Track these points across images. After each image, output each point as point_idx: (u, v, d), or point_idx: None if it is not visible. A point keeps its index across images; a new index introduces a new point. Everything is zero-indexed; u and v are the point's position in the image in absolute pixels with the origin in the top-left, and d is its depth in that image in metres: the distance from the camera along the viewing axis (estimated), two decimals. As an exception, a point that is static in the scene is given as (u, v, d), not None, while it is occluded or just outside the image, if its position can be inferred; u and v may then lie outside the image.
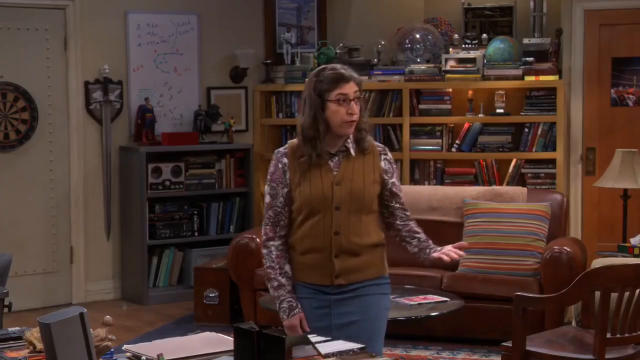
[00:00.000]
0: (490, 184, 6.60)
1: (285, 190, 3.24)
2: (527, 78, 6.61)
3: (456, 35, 6.97)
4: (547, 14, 6.86)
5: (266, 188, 3.29)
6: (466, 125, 6.77)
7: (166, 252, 7.07)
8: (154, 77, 7.19)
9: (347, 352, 2.48)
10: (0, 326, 3.95)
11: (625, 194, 5.99)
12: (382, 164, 3.26)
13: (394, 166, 3.31)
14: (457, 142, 6.78)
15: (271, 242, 3.25)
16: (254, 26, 7.59)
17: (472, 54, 6.74)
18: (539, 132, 6.61)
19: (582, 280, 4.05)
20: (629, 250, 5.48)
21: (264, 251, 3.26)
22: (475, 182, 6.71)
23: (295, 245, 3.25)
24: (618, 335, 4.03)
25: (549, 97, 6.60)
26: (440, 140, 6.83)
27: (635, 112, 6.67)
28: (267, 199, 3.27)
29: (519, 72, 6.62)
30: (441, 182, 6.78)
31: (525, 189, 6.16)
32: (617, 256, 5.53)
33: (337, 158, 3.23)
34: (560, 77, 6.64)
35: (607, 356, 4.00)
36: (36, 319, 2.45)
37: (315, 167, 3.20)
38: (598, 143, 6.73)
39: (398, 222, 3.33)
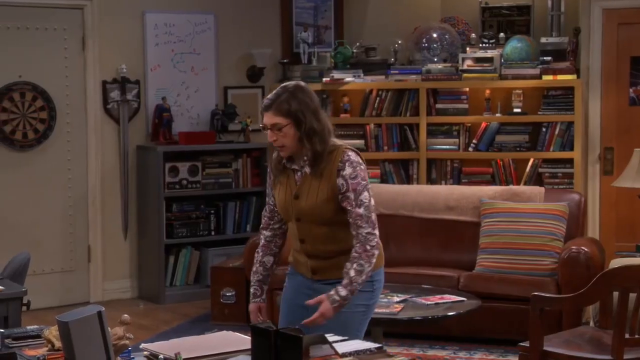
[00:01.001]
0: (507, 184, 6.57)
1: (271, 192, 3.43)
2: (545, 77, 6.58)
3: (473, 35, 6.95)
4: (565, 13, 6.83)
5: None
6: (483, 125, 6.75)
7: (183, 251, 7.09)
8: (171, 77, 7.21)
9: (364, 351, 2.48)
10: (19, 324, 3.97)
11: (644, 193, 5.96)
12: (338, 180, 3.23)
13: (353, 181, 3.21)
14: (474, 141, 6.76)
15: (263, 231, 3.49)
16: (271, 26, 7.60)
17: (489, 53, 6.72)
18: (556, 132, 6.59)
19: (600, 281, 4.03)
20: (648, 251, 5.46)
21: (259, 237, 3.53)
22: (492, 181, 6.69)
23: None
24: (636, 336, 4.01)
25: (567, 97, 6.57)
26: (457, 140, 6.81)
27: (653, 112, 6.64)
28: (268, 193, 3.48)
29: (536, 71, 6.60)
30: (458, 182, 6.76)
31: (542, 189, 6.13)
32: (635, 256, 5.51)
33: (299, 173, 3.30)
34: (578, 77, 6.61)
35: (625, 357, 3.96)
36: (55, 318, 2.47)
37: (284, 178, 3.34)
38: (616, 142, 6.69)
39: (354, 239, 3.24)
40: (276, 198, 3.39)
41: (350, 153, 3.26)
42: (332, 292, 3.14)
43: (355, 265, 3.15)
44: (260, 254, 3.48)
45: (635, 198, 6.09)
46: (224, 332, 3.09)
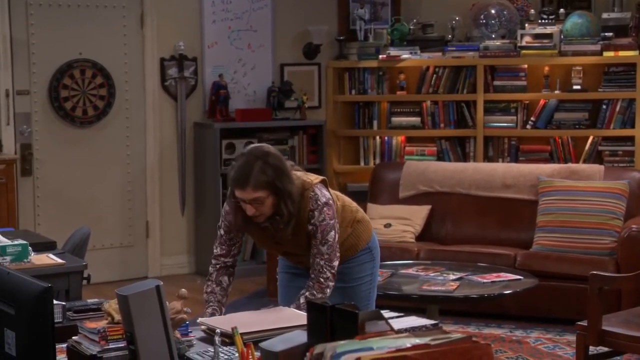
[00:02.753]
0: (566, 162, 6.49)
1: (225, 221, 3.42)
2: (606, 54, 6.46)
3: (532, 11, 6.84)
4: None
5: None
6: (542, 102, 6.66)
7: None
8: (228, 54, 7.23)
9: (419, 328, 2.48)
10: (79, 297, 4.04)
11: None
12: (308, 227, 3.23)
13: (321, 223, 3.22)
14: (532, 119, 6.68)
15: (222, 259, 3.44)
16: (328, 2, 7.58)
17: (548, 30, 6.61)
18: (617, 109, 6.47)
19: None
20: None
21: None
22: (550, 159, 6.61)
23: None
24: None
25: (629, 73, 6.45)
26: (514, 117, 6.74)
27: None
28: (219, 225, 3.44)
29: (597, 47, 6.47)
30: (515, 160, 6.69)
31: (602, 167, 6.05)
32: None
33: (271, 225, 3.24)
34: None
35: None
36: (114, 291, 2.51)
37: (254, 227, 3.28)
38: None
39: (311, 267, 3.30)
40: (251, 237, 3.48)
41: (316, 192, 3.23)
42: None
43: (307, 294, 3.21)
44: (215, 275, 3.40)
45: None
46: (280, 307, 3.11)
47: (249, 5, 7.30)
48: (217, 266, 3.42)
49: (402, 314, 2.63)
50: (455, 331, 5.21)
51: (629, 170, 6.13)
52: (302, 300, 3.19)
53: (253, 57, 7.33)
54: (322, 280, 3.21)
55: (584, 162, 6.49)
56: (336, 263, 3.25)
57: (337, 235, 3.25)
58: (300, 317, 2.79)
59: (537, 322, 5.49)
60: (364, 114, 7.29)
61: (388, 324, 2.11)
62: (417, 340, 1.95)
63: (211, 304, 3.33)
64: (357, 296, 3.41)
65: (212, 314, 3.27)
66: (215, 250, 3.44)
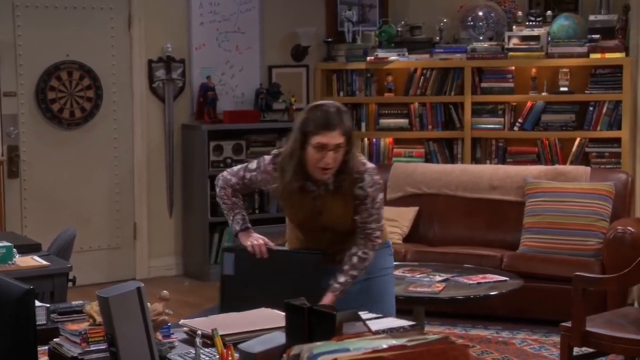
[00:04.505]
0: (553, 164, 6.52)
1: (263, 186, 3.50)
2: (593, 56, 6.50)
3: (520, 13, 6.87)
4: None
5: (255, 164, 3.48)
6: (529, 104, 6.70)
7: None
8: (216, 56, 7.25)
9: (397, 329, 2.50)
10: (64, 299, 4.05)
11: (692, 174, 5.88)
12: (356, 191, 3.32)
13: (369, 187, 3.32)
14: (519, 120, 6.72)
15: (230, 186, 3.51)
16: (316, 4, 7.61)
17: (535, 32, 6.65)
18: (604, 111, 6.51)
19: None
20: (695, 232, 5.38)
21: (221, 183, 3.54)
22: (537, 161, 6.63)
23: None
24: None
25: (615, 75, 6.49)
26: (502, 119, 6.77)
27: None
28: (253, 167, 3.47)
29: (584, 49, 6.52)
30: (503, 161, 6.72)
31: (588, 168, 6.09)
32: None
33: (315, 190, 3.33)
34: (627, 55, 6.53)
35: None
36: (95, 293, 2.52)
37: (296, 196, 3.35)
38: None
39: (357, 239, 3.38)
40: (290, 214, 3.47)
41: (364, 159, 3.37)
42: (331, 282, 3.29)
43: (360, 252, 3.31)
44: (230, 191, 3.49)
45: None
46: (263, 309, 3.13)
47: (237, 7, 7.32)
48: (230, 190, 3.50)
49: (380, 315, 2.66)
50: (441, 332, 5.25)
51: (615, 171, 6.17)
52: (354, 260, 3.29)
53: (241, 58, 7.35)
54: (373, 238, 3.32)
55: (571, 163, 6.51)
56: (383, 223, 3.38)
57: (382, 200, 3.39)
58: (281, 318, 2.82)
59: (524, 323, 5.53)
60: (352, 115, 7.31)
61: (365, 325, 2.13)
62: (394, 342, 1.98)
63: (237, 211, 3.47)
64: (382, 287, 3.49)
65: (243, 219, 3.46)
66: (228, 178, 3.51)
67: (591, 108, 6.55)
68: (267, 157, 3.45)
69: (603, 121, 6.52)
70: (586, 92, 6.58)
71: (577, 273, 4.20)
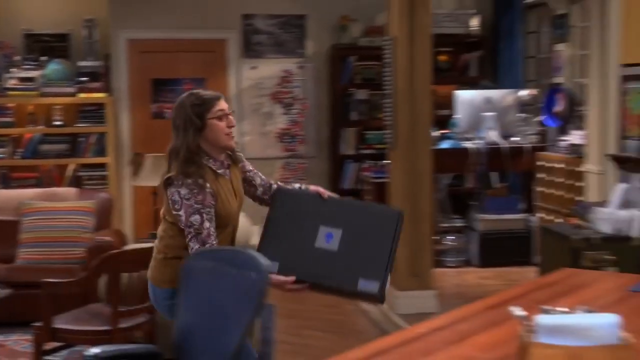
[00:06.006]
0: (51, 187, 7.20)
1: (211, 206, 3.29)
2: (81, 95, 7.37)
3: (17, 57, 7.52)
4: (98, 41, 7.67)
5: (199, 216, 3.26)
6: (28, 135, 7.38)
7: None
8: None
9: None
10: None
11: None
12: (245, 164, 3.53)
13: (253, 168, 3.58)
14: (20, 150, 7.37)
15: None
16: None
17: (32, 74, 7.38)
18: (92, 141, 7.41)
19: (102, 264, 4.67)
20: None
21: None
22: (38, 185, 7.29)
23: None
24: (127, 308, 4.70)
25: (100, 111, 7.43)
26: (5, 150, 7.35)
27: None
28: (188, 198, 3.28)
29: (73, 89, 7.37)
30: (7, 186, 7.25)
31: (75, 189, 6.85)
32: (148, 242, 6.46)
33: (223, 172, 3.37)
34: (109, 94, 7.52)
35: (121, 325, 4.65)
36: None
37: (217, 183, 3.33)
38: (143, 149, 7.61)
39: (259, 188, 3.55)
40: (222, 208, 3.31)
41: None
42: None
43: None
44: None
45: (150, 194, 7.12)
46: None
47: None
48: (215, 242, 3.30)
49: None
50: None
51: (99, 191, 6.99)
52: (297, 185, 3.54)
53: None
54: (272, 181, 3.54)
55: (68, 186, 7.27)
56: None
57: None
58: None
59: (17, 326, 5.89)
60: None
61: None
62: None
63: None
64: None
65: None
66: (214, 243, 3.27)
67: (81, 139, 7.40)
68: (179, 185, 3.29)
69: (92, 149, 7.43)
70: (76, 125, 7.42)
71: (45, 279, 4.77)
